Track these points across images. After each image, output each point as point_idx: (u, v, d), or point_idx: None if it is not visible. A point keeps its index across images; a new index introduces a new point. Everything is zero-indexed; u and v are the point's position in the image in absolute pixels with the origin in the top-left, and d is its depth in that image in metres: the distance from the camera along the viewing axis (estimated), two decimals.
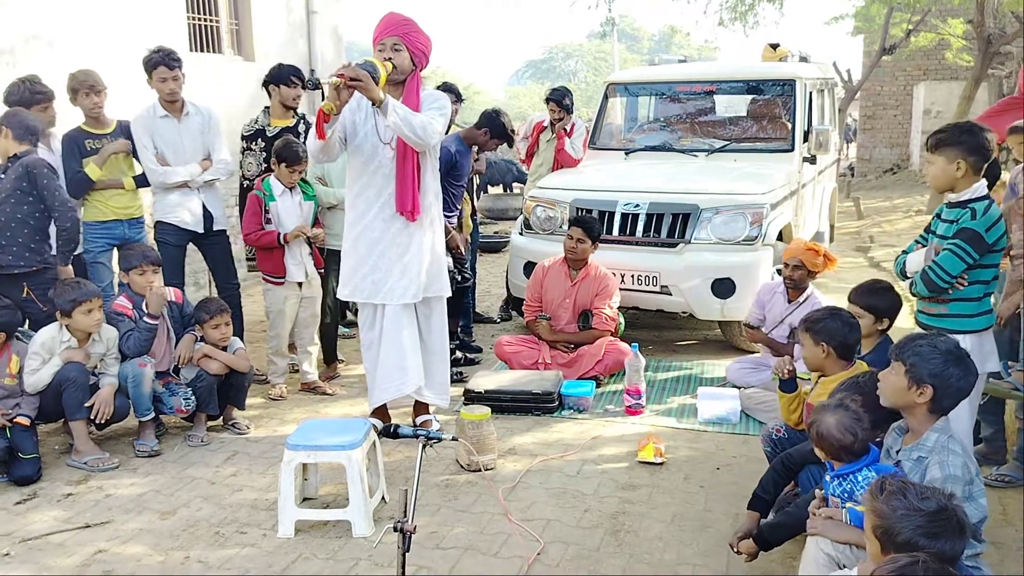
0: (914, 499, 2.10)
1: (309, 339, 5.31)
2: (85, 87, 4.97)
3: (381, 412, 4.45)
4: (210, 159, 5.21)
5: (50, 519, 3.67)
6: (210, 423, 4.67)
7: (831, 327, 3.35)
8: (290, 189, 5.07)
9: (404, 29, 4.04)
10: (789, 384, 3.53)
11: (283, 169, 5.00)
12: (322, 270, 5.34)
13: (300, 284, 5.15)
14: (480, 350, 6.10)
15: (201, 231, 5.22)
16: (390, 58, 3.96)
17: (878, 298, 3.56)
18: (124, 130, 5.14)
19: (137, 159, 5.16)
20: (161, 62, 4.94)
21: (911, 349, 2.64)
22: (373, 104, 3.80)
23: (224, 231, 5.40)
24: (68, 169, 4.95)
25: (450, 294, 4.52)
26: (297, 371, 5.39)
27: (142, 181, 5.17)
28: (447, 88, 6.81)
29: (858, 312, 3.52)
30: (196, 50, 8.04)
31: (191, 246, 5.33)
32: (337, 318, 5.67)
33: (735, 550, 3.03)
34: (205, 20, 8.19)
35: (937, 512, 2.08)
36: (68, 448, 4.34)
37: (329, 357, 5.61)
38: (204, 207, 5.21)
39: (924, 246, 3.34)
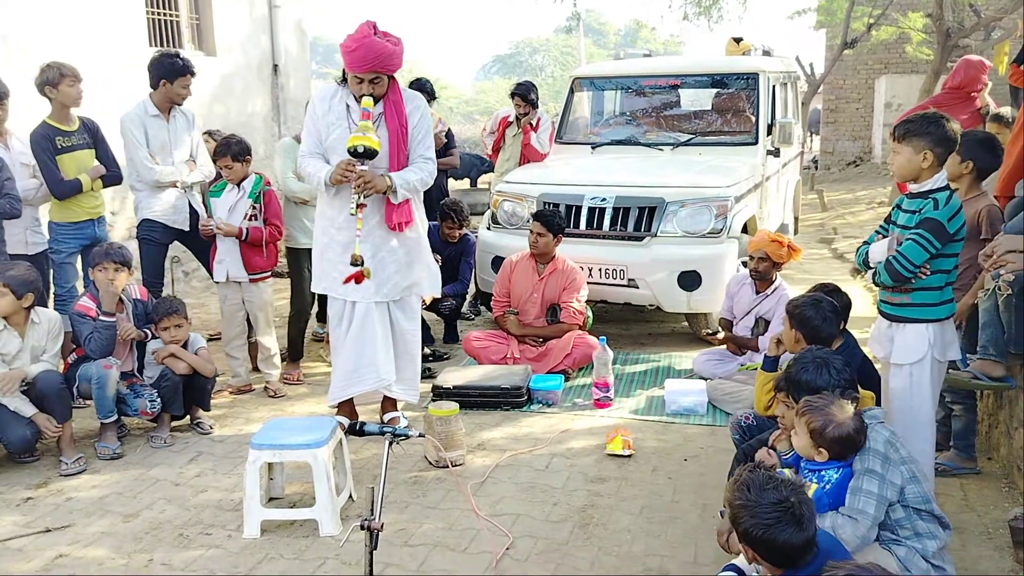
0: (755, 491, 2.15)
1: (263, 341, 5.21)
2: (72, 76, 4.91)
3: (348, 409, 4.40)
4: (194, 160, 5.24)
5: (9, 524, 3.59)
6: (174, 423, 4.60)
7: (806, 315, 3.39)
8: (237, 185, 5.03)
9: (383, 64, 3.90)
10: (771, 363, 3.56)
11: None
12: (272, 271, 5.24)
13: (241, 284, 5.07)
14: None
15: (187, 229, 5.23)
16: (371, 92, 3.93)
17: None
18: (88, 127, 5.09)
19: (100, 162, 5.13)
20: (187, 70, 5.00)
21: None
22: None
23: None
24: (46, 169, 4.88)
25: (433, 293, 4.50)
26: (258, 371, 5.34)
27: (109, 181, 5.17)
28: (419, 86, 6.75)
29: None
30: (156, 45, 7.88)
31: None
32: (306, 315, 5.56)
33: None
34: (165, 15, 8.04)
35: (774, 504, 2.12)
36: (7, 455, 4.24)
37: (294, 355, 5.55)
38: (190, 204, 5.24)
39: (885, 236, 3.35)
